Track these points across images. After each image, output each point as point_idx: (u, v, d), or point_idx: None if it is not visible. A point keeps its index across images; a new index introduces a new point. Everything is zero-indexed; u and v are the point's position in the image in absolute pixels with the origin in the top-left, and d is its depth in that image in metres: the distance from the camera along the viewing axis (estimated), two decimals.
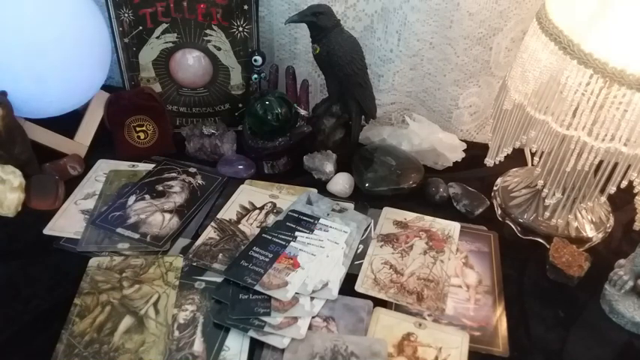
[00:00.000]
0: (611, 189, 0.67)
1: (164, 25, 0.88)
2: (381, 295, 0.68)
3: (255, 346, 0.61)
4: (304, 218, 0.78)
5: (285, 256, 0.71)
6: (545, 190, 0.72)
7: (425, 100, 0.98)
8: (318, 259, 0.71)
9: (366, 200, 0.83)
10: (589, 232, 0.77)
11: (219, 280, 0.68)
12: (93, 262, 0.69)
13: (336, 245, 0.73)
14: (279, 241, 0.73)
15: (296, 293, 0.66)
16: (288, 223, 0.77)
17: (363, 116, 0.91)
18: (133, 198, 0.80)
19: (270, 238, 0.74)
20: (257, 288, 0.66)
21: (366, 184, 0.85)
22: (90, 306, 0.64)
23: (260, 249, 0.72)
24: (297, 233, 0.75)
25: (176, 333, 0.62)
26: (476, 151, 0.91)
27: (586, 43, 0.59)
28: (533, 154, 0.75)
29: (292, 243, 0.73)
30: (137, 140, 0.90)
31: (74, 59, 0.81)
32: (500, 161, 0.77)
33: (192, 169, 0.87)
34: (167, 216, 0.78)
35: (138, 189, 0.82)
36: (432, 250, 0.75)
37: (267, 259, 0.70)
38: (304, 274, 0.68)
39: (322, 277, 0.69)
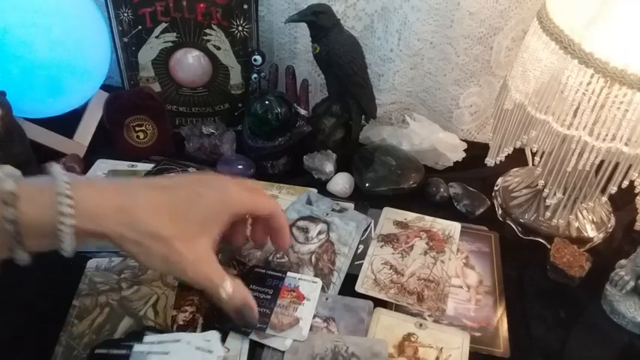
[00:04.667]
0: (612, 189, 0.67)
1: (163, 25, 0.88)
2: (382, 296, 0.68)
3: (255, 347, 0.61)
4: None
5: (286, 290, 0.65)
6: (546, 190, 0.72)
7: (425, 99, 0.98)
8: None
9: (366, 200, 0.83)
10: (590, 232, 0.77)
11: None
12: (91, 263, 0.69)
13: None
14: (275, 273, 0.67)
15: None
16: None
17: (363, 116, 0.90)
18: None
19: (264, 272, 0.68)
20: (269, 332, 0.61)
21: (366, 184, 0.84)
22: (89, 307, 0.63)
23: (257, 286, 0.65)
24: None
25: None
26: (476, 150, 0.91)
27: (587, 42, 0.59)
28: (533, 154, 0.75)
29: (290, 273, 0.68)
30: (136, 140, 0.89)
31: (74, 59, 0.81)
32: (500, 161, 0.77)
33: (191, 169, 0.87)
34: None
35: None
36: (432, 251, 0.74)
37: (268, 297, 0.64)
38: (312, 306, 0.64)
39: None
